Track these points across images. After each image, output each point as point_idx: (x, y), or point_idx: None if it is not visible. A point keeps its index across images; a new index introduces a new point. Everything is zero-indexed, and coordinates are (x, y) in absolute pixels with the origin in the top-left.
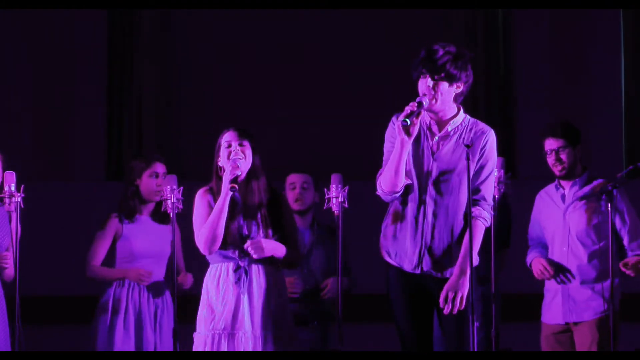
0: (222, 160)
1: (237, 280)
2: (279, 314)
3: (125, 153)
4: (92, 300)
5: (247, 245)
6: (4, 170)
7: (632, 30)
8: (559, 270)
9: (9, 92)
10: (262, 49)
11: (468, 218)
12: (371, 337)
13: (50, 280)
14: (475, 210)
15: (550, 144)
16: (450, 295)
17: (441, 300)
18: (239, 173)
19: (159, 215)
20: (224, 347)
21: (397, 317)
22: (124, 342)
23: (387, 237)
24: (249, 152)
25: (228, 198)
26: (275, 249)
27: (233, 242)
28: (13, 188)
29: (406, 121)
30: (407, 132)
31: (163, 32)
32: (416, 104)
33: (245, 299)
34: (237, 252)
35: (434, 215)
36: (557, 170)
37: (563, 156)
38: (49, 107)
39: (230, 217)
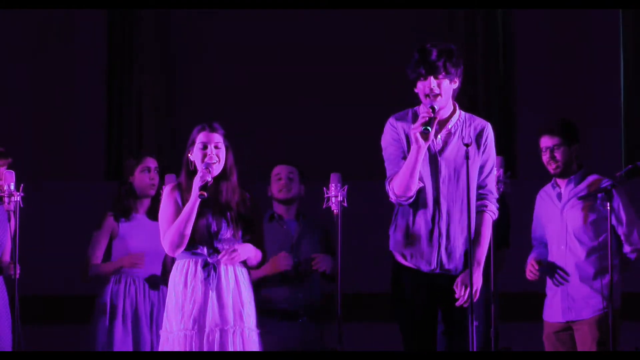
0: (194, 156)
1: (207, 277)
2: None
3: (125, 153)
4: (91, 300)
5: (222, 255)
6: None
7: (631, 30)
8: (553, 270)
9: (8, 92)
10: (262, 49)
11: (469, 213)
12: (371, 337)
13: (50, 280)
14: (484, 204)
15: (546, 141)
16: (464, 288)
17: (457, 292)
18: (210, 180)
19: (154, 213)
20: (195, 346)
21: (404, 317)
22: (123, 341)
23: (398, 239)
24: (222, 154)
25: (197, 204)
26: (247, 252)
27: (201, 239)
28: (12, 187)
29: (428, 129)
30: (426, 138)
31: (163, 31)
32: (430, 110)
33: (213, 295)
34: (205, 249)
35: (448, 214)
36: (551, 168)
37: (557, 154)
38: (49, 107)
39: (199, 214)
